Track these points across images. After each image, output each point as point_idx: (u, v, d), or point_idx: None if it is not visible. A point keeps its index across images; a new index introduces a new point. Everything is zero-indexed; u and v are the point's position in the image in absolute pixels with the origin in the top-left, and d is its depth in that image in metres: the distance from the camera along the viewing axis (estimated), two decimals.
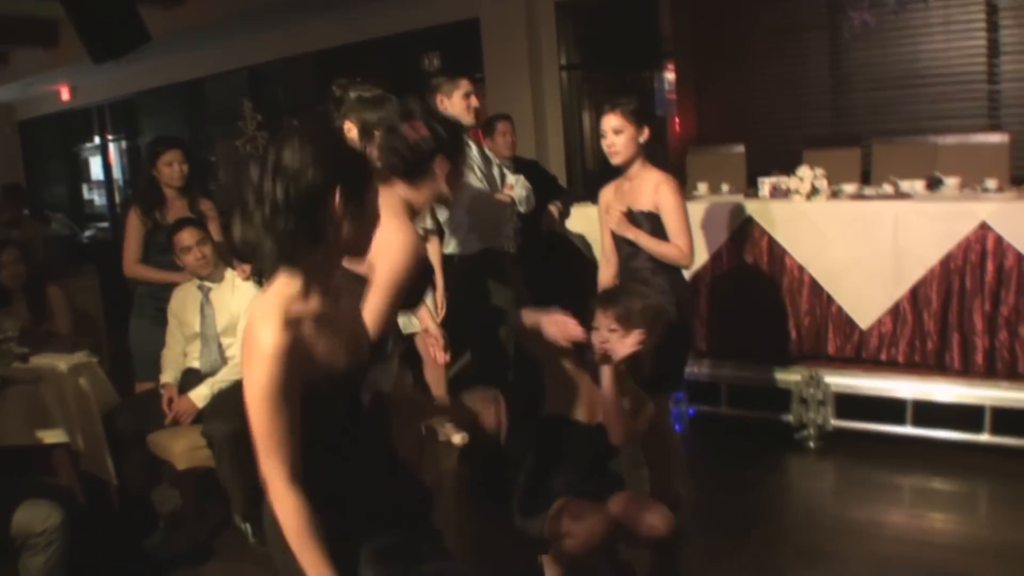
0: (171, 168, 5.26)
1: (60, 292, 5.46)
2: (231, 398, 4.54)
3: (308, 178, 2.04)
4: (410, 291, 2.90)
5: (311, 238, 2.08)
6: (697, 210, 5.67)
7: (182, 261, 4.83)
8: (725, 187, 6.43)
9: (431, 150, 3.00)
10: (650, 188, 4.21)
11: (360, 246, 2.21)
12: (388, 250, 2.73)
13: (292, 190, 2.04)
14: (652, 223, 4.21)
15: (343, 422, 2.24)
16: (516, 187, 5.08)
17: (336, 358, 2.16)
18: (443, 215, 4.99)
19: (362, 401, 2.34)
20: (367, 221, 2.19)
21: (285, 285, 2.10)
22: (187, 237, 4.79)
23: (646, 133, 4.23)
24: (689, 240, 4.18)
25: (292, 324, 2.05)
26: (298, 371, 2.04)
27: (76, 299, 5.89)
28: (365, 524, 2.25)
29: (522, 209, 5.04)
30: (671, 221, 4.18)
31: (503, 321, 4.89)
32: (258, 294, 2.14)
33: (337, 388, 2.18)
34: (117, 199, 15.75)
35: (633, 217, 4.25)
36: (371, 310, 2.68)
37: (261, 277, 2.17)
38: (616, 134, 4.18)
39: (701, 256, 5.69)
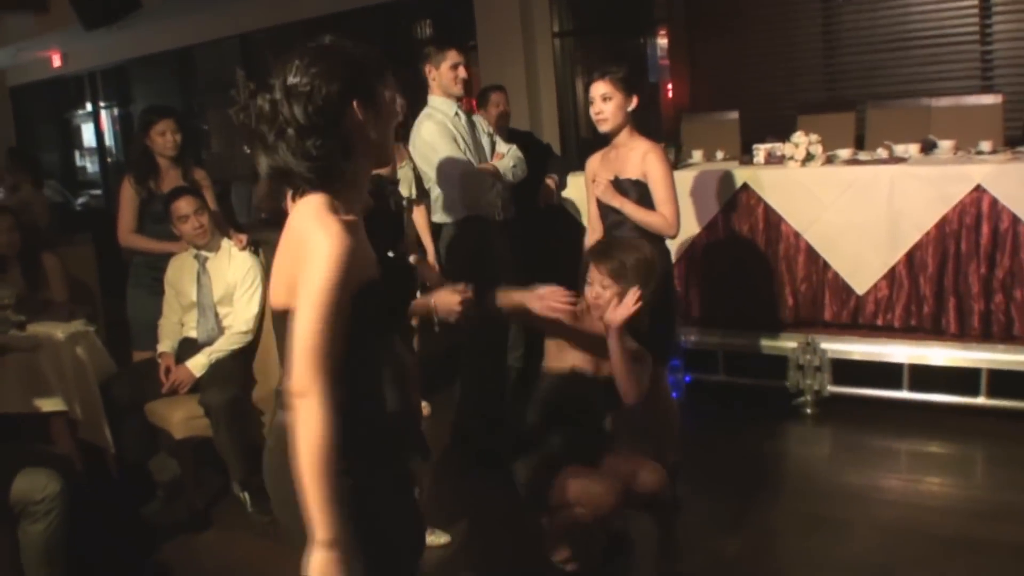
0: (164, 137, 5.22)
1: (55, 259, 5.44)
2: (228, 367, 4.58)
3: (323, 94, 2.02)
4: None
5: (344, 153, 2.06)
6: (691, 178, 5.68)
7: (179, 230, 4.81)
8: (720, 154, 6.41)
9: None
10: (638, 157, 4.18)
11: (383, 151, 2.21)
12: None
13: (311, 108, 2.02)
14: (639, 191, 4.19)
15: (385, 335, 2.23)
16: (507, 156, 5.07)
17: (374, 267, 2.15)
18: (434, 191, 5.02)
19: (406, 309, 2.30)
20: (386, 123, 2.18)
21: (323, 196, 2.07)
22: (184, 206, 4.77)
23: (635, 101, 4.19)
24: (675, 209, 4.15)
25: (347, 227, 2.00)
26: (355, 275, 2.00)
27: (71, 267, 5.87)
28: (387, 455, 2.20)
29: (508, 178, 5.02)
30: (658, 190, 4.15)
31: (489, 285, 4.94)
32: (298, 210, 2.08)
33: (381, 296, 2.15)
34: (109, 166, 15.71)
35: (620, 185, 4.23)
36: None
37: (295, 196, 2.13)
38: (604, 101, 4.14)
39: (696, 224, 5.69)
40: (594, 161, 4.42)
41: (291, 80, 2.03)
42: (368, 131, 2.10)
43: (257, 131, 2.07)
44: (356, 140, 2.08)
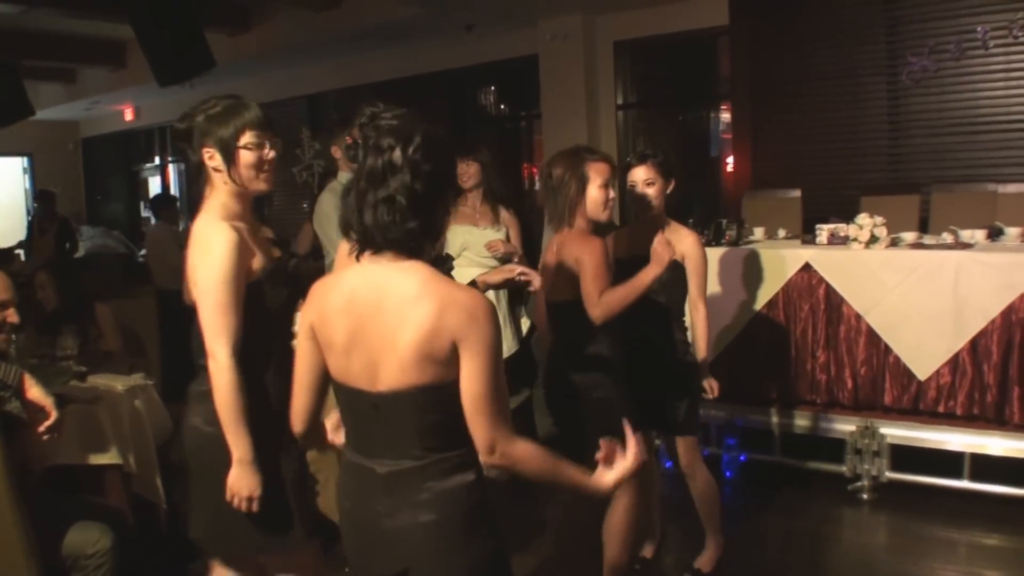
0: None
1: (107, 310, 5.48)
2: None
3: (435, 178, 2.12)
4: None
5: (431, 235, 2.16)
6: (753, 255, 5.66)
7: None
8: (781, 232, 6.37)
9: None
10: (676, 239, 4.04)
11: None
12: None
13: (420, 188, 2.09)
14: (674, 270, 4.01)
15: (266, 314, 2.81)
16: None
17: (260, 257, 2.83)
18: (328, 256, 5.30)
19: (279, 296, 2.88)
20: None
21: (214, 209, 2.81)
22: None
23: (672, 185, 4.18)
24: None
25: (233, 227, 2.72)
26: (242, 261, 2.67)
27: (132, 318, 5.92)
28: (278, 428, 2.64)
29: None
30: (698, 276, 4.16)
31: None
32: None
33: (266, 280, 2.81)
34: None
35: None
36: None
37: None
38: (648, 186, 4.10)
39: (756, 302, 5.66)
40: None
41: (413, 154, 2.08)
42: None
43: (359, 184, 2.12)
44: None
